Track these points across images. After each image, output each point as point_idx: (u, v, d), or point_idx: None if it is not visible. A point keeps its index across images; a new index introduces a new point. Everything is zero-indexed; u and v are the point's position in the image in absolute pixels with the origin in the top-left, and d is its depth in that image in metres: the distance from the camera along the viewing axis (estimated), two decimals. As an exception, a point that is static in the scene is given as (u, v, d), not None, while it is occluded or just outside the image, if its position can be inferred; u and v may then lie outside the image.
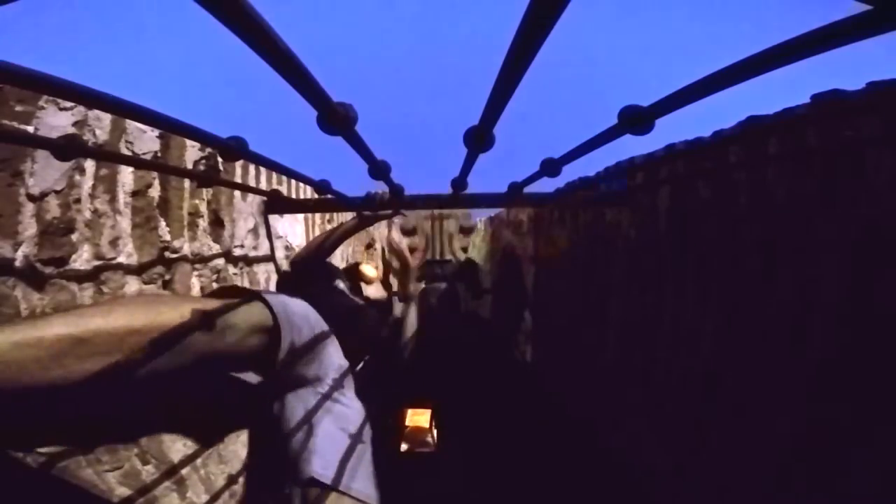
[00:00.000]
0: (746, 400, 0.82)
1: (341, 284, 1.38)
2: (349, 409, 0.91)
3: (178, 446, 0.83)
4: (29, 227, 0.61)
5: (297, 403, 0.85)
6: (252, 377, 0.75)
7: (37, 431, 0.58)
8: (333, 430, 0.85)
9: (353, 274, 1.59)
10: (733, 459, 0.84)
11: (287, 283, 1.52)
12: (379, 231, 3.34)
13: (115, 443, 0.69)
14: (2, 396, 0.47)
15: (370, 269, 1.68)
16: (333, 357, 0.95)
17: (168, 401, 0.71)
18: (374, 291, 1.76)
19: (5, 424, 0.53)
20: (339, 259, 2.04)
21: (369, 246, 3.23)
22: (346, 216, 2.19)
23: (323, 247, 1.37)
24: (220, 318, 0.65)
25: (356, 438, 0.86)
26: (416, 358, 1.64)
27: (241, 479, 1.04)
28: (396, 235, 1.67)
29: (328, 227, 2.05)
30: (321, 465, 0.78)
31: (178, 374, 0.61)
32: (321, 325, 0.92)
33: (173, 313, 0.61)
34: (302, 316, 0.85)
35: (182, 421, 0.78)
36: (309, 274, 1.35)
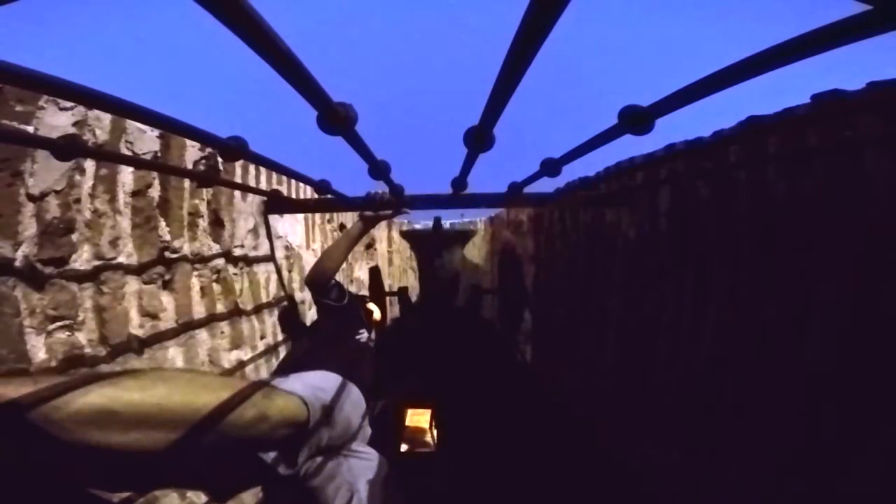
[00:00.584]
0: (746, 400, 0.82)
1: (364, 333, 1.39)
2: (372, 463, 0.93)
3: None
4: (29, 227, 0.61)
5: (331, 466, 0.87)
6: (273, 457, 0.76)
7: (52, 475, 0.58)
8: (371, 490, 0.86)
9: (360, 305, 1.61)
10: (733, 459, 0.84)
11: (296, 313, 1.52)
12: (379, 231, 3.34)
13: (131, 491, 0.69)
14: (23, 451, 0.48)
15: (376, 311, 1.69)
16: (357, 418, 0.97)
17: (189, 471, 0.71)
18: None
19: (22, 466, 0.53)
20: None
21: (369, 246, 3.23)
22: (347, 216, 2.20)
23: (334, 259, 1.38)
24: (256, 408, 0.66)
25: (386, 490, 0.88)
26: (416, 358, 1.64)
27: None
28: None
29: (328, 227, 2.05)
30: None
31: (204, 453, 0.62)
32: (347, 393, 0.95)
33: (211, 397, 0.61)
34: (333, 397, 0.87)
35: (199, 482, 0.80)
36: (328, 299, 1.35)
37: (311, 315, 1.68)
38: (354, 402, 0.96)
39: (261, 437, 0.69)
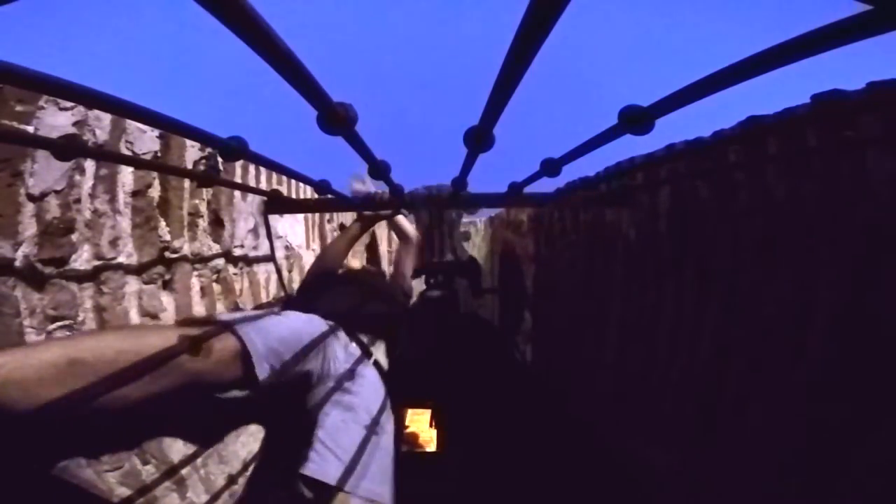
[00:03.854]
0: (746, 400, 0.82)
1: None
2: (357, 398, 0.92)
3: (178, 446, 0.83)
4: (29, 227, 0.61)
5: (311, 400, 0.89)
6: (237, 393, 0.78)
7: (42, 444, 0.59)
8: (341, 424, 0.86)
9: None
10: (733, 459, 0.84)
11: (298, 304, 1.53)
12: (379, 231, 3.34)
13: (119, 450, 0.70)
14: (9, 414, 0.50)
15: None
16: (338, 353, 0.97)
17: (165, 413, 0.75)
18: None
19: (13, 438, 0.55)
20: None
21: (370, 246, 3.22)
22: (347, 216, 2.20)
23: (332, 258, 1.38)
24: (201, 343, 0.70)
25: (369, 430, 0.88)
26: (416, 357, 1.64)
27: (241, 480, 1.04)
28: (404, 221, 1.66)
29: (328, 227, 2.05)
30: (321, 463, 0.80)
31: (169, 392, 0.66)
32: (315, 330, 0.94)
33: (158, 338, 0.65)
34: (278, 336, 0.84)
35: (181, 426, 0.81)
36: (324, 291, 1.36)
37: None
38: (310, 327, 0.95)
39: (212, 373, 0.72)
